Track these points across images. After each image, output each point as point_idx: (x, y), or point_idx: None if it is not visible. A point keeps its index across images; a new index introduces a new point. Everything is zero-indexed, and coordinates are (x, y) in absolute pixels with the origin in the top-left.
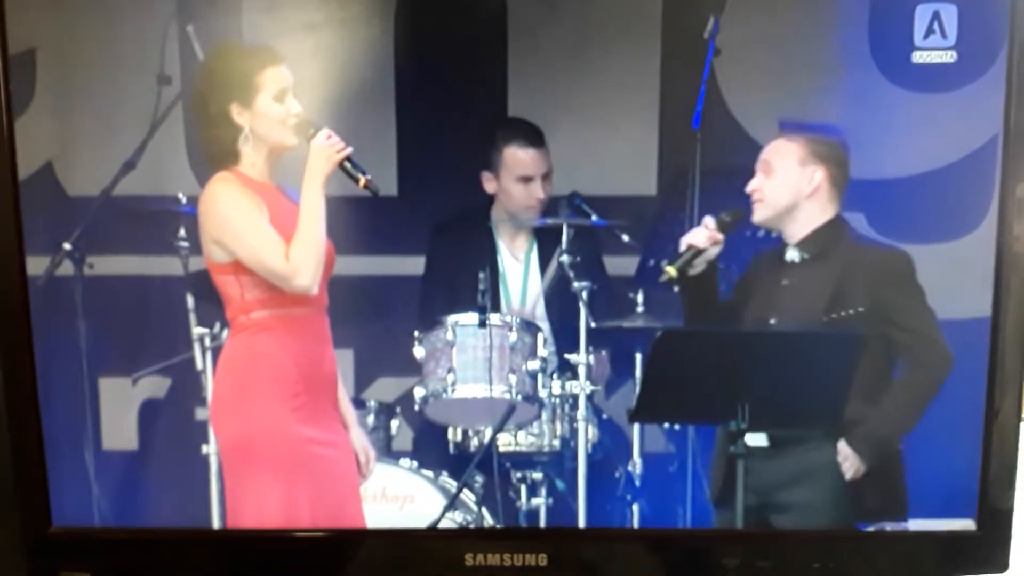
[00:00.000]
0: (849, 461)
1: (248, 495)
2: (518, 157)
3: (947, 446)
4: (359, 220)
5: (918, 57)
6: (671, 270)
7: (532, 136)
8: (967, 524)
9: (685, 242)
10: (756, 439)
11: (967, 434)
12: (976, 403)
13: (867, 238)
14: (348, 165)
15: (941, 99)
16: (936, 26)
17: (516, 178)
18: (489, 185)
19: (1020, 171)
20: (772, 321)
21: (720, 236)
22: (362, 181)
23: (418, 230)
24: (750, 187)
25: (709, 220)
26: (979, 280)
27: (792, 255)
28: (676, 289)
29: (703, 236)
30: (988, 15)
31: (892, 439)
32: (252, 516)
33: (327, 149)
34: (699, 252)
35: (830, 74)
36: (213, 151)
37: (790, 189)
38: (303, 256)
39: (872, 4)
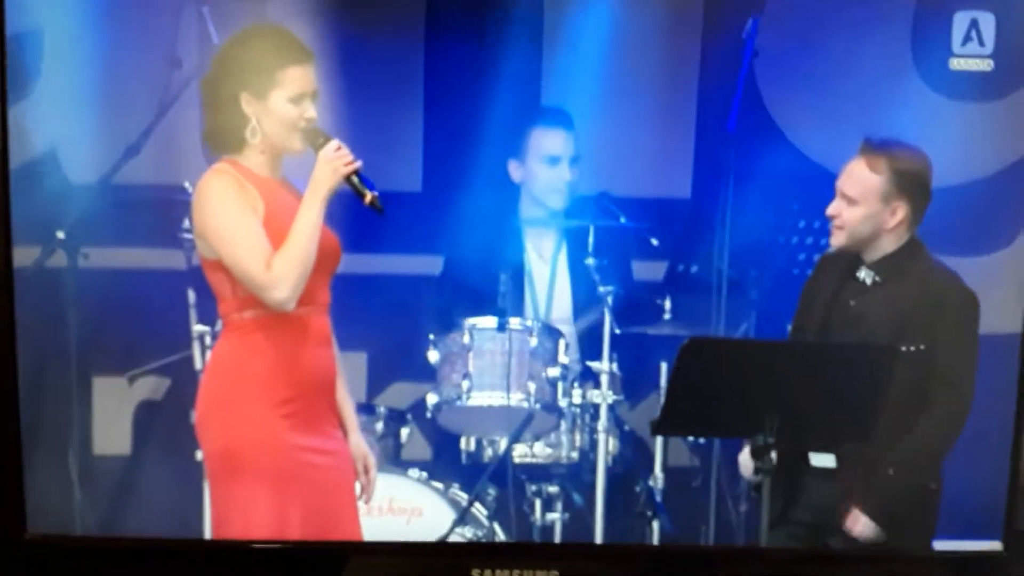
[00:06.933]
0: (861, 524)
1: (234, 505)
2: (544, 136)
3: (975, 466)
4: (379, 216)
5: (956, 64)
6: None
7: (559, 116)
8: (993, 545)
9: None
10: (823, 459)
11: (995, 454)
12: (1006, 421)
13: (941, 264)
14: (356, 180)
15: (979, 108)
16: (974, 33)
17: (542, 159)
18: (516, 173)
19: None
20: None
21: None
22: (368, 197)
23: (442, 227)
24: (830, 211)
25: None
26: (1013, 295)
27: (864, 275)
28: None
29: None
30: None
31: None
32: (238, 527)
33: (335, 161)
34: None
35: (871, 77)
36: (217, 135)
37: (872, 223)
38: (286, 269)
39: (916, 8)
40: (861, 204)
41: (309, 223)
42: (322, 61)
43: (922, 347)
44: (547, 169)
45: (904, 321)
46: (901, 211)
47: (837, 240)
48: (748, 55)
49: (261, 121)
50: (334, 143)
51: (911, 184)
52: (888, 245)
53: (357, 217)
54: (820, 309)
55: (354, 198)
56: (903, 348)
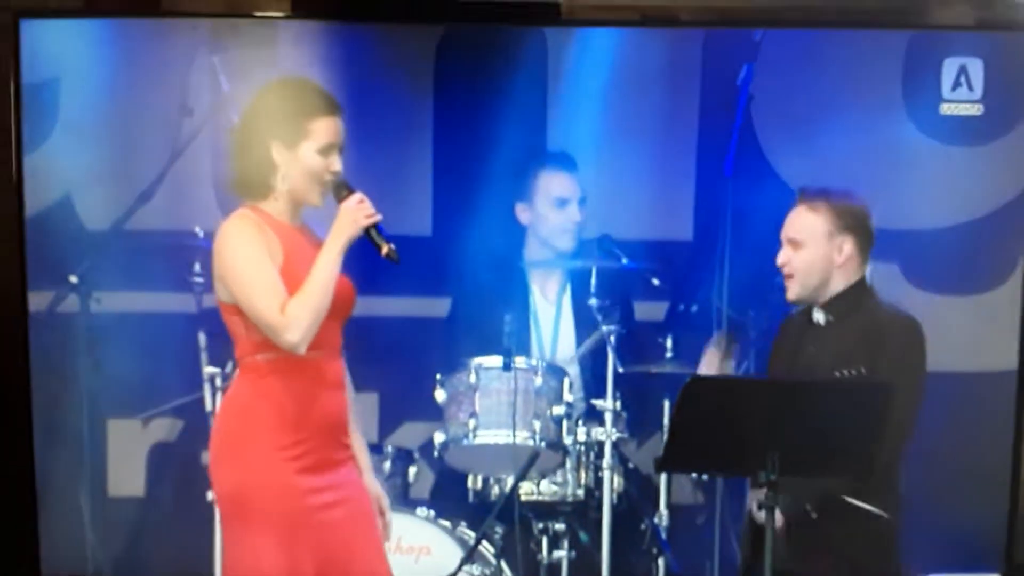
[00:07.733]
0: None
1: (245, 548)
2: (552, 180)
3: (975, 500)
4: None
5: (946, 109)
6: None
7: (566, 160)
8: None
9: None
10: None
11: (995, 487)
12: (1003, 455)
13: (890, 303)
14: (374, 232)
15: (970, 152)
16: (963, 79)
17: (552, 202)
18: (523, 216)
19: None
20: None
21: None
22: (384, 249)
23: (451, 270)
24: (779, 260)
25: None
26: (1006, 333)
27: (818, 316)
28: None
29: None
30: (1015, 72)
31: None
32: (248, 571)
33: (356, 212)
34: None
35: (863, 122)
36: (245, 183)
37: (821, 263)
38: (300, 313)
39: (906, 54)
40: (807, 245)
41: (327, 271)
42: None
43: (862, 369)
44: (556, 212)
45: (848, 354)
46: (847, 246)
47: (792, 292)
48: (743, 100)
49: (289, 170)
50: (357, 195)
51: (852, 221)
52: (838, 284)
53: (369, 262)
54: (786, 360)
55: (366, 243)
56: (840, 373)
